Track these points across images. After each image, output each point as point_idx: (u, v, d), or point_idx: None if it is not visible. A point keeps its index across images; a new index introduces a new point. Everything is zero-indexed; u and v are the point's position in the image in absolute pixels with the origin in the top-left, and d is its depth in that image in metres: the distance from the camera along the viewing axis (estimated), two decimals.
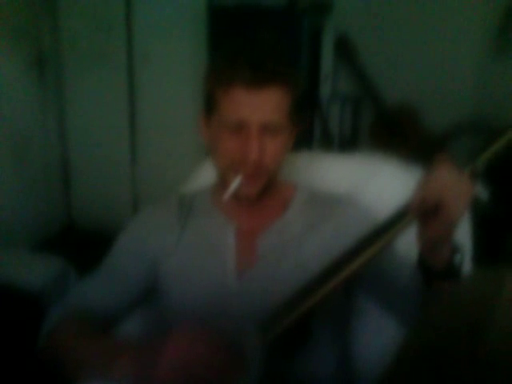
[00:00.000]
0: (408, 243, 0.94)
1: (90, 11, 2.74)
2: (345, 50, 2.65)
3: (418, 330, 0.59)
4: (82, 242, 2.80)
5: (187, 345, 0.60)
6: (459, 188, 0.70)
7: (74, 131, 2.97)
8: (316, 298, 0.69)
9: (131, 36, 2.73)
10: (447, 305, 0.57)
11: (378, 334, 1.06)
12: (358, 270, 0.72)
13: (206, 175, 1.18)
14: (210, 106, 0.90)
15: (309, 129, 2.59)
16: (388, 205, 0.94)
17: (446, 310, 0.56)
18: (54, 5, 2.75)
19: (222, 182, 0.93)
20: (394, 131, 2.62)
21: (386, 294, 0.92)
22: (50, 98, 2.84)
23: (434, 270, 0.77)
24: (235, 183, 0.87)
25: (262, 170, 0.88)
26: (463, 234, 1.04)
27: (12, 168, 2.60)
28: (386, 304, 0.94)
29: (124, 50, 2.74)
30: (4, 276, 1.67)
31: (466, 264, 0.86)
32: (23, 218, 2.68)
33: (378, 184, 1.14)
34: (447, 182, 0.70)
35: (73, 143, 3.00)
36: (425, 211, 0.71)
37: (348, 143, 2.77)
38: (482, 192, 0.76)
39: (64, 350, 0.81)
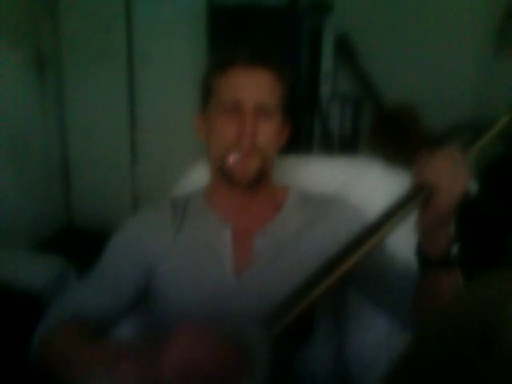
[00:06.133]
0: (399, 242, 0.95)
1: (90, 11, 2.74)
2: (345, 50, 2.66)
3: (426, 335, 0.58)
4: (82, 242, 2.79)
5: (191, 343, 0.60)
6: (456, 173, 0.72)
7: (73, 131, 2.97)
8: (320, 290, 0.68)
9: (131, 36, 2.72)
10: (456, 309, 0.56)
11: (368, 331, 1.07)
12: (360, 260, 0.71)
13: (197, 177, 1.18)
14: (207, 94, 0.95)
15: (309, 129, 2.59)
16: (375, 207, 0.95)
17: (455, 315, 0.55)
18: (54, 5, 2.75)
19: (219, 169, 0.94)
20: (394, 131, 2.62)
21: (378, 292, 0.92)
22: (50, 98, 2.84)
23: (431, 258, 0.78)
24: (234, 157, 0.90)
25: (256, 149, 0.90)
26: None
27: (12, 168, 2.60)
28: (377, 301, 0.95)
29: (124, 50, 2.74)
30: (4, 276, 1.67)
31: None
32: (23, 218, 2.68)
33: (365, 186, 1.15)
34: (444, 164, 0.72)
35: (73, 143, 3.00)
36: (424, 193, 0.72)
37: (348, 143, 2.78)
38: (471, 185, 0.77)
39: (62, 355, 0.78)
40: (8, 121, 2.53)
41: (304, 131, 2.55)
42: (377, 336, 1.06)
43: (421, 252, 0.79)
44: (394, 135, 2.62)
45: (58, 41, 2.81)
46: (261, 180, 0.94)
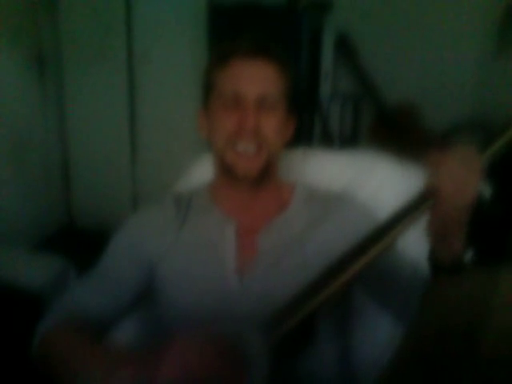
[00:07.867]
0: (408, 242, 0.95)
1: (90, 11, 2.74)
2: (345, 49, 2.65)
3: (416, 330, 0.59)
4: (82, 242, 2.80)
5: (190, 350, 0.59)
6: (463, 177, 0.69)
7: (74, 131, 2.97)
8: (324, 296, 0.67)
9: (131, 36, 2.73)
10: (444, 304, 0.57)
11: (373, 332, 1.06)
12: (368, 264, 0.69)
13: (200, 172, 1.16)
14: (208, 88, 0.93)
15: (309, 128, 2.58)
16: (384, 203, 0.93)
17: (443, 310, 0.56)
18: (54, 5, 2.75)
19: (222, 164, 0.93)
20: (394, 130, 2.62)
21: (384, 292, 0.91)
22: (50, 98, 2.84)
23: (443, 263, 0.75)
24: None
25: (260, 141, 0.89)
26: None
27: (12, 168, 2.60)
28: (383, 302, 0.93)
29: (124, 50, 2.74)
30: (4, 276, 1.67)
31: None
32: (23, 218, 2.68)
33: (374, 181, 1.13)
34: (450, 168, 0.69)
35: (73, 143, 3.00)
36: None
37: (348, 143, 2.77)
38: (484, 189, 0.75)
39: (60, 358, 0.77)
40: (8, 120, 2.53)
41: (304, 130, 2.55)
42: (382, 337, 1.04)
43: (432, 257, 0.77)
44: (395, 134, 2.62)
45: (58, 40, 2.81)
46: (266, 175, 0.93)
